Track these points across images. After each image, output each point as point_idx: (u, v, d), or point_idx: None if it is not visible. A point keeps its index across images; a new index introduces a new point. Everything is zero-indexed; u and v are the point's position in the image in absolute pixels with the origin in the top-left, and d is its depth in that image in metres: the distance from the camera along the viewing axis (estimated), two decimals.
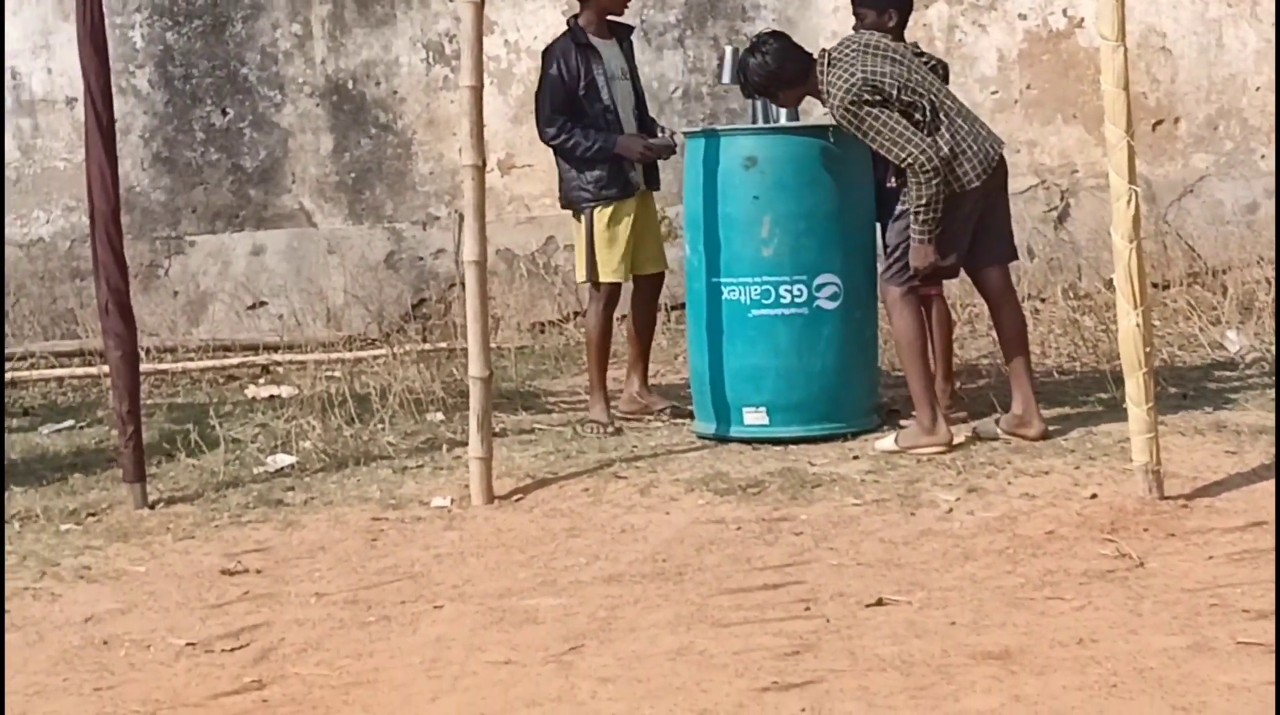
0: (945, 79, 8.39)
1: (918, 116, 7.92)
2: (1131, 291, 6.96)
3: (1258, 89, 11.58)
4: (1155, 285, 10.54)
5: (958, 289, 10.37)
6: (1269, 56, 11.56)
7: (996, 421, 8.18)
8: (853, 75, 7.92)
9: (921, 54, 8.42)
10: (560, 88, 8.77)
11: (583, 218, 8.89)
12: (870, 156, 8.45)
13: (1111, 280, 7.53)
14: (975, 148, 7.95)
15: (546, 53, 8.91)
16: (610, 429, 8.83)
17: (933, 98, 7.98)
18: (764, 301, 8.35)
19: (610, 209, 8.86)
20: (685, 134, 8.85)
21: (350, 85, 12.25)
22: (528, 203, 12.06)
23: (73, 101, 12.11)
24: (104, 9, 8.39)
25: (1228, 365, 9.42)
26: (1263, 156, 11.59)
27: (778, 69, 8.15)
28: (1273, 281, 10.38)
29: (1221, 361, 9.52)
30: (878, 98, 7.89)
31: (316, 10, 12.25)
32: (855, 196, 8.51)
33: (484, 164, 7.95)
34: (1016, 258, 8.42)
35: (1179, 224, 11.51)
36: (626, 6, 9.07)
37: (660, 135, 9.03)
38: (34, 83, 12.50)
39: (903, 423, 8.39)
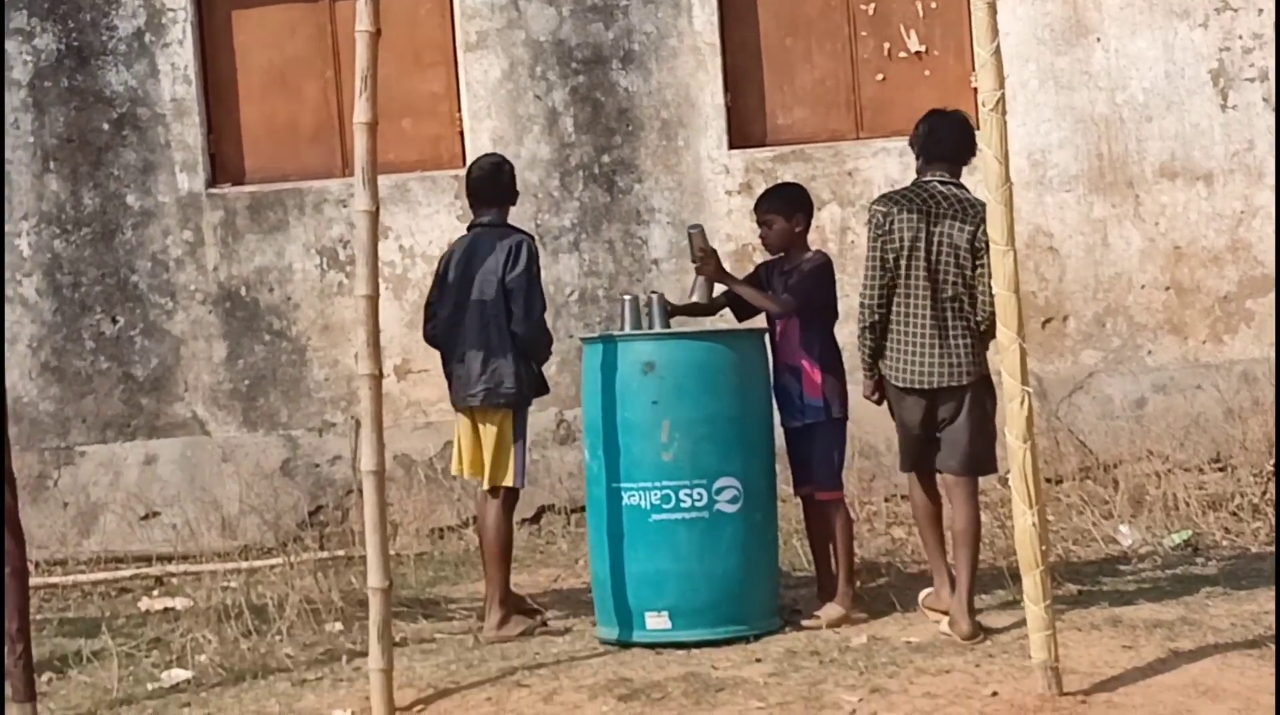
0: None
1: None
2: (1026, 491, 7.06)
3: (1143, 287, 11.81)
4: (1049, 480, 10.69)
5: (855, 488, 10.45)
6: (1153, 255, 11.81)
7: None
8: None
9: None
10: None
11: (512, 415, 8.94)
12: (767, 361, 8.59)
13: (1007, 477, 7.61)
14: (906, 358, 8.17)
15: (527, 247, 9.04)
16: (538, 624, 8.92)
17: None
18: (664, 506, 8.35)
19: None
20: (583, 339, 8.90)
21: (243, 292, 12.23)
22: (425, 407, 12.03)
23: None
24: None
25: (1121, 559, 9.52)
26: (1149, 352, 11.80)
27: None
28: (1162, 475, 10.55)
29: (1115, 555, 9.63)
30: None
31: (208, 217, 12.25)
32: (754, 400, 8.57)
33: (381, 373, 7.93)
34: (963, 473, 8.32)
35: (1070, 420, 11.67)
36: None
37: None
38: None
39: (804, 623, 8.42)
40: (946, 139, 8.34)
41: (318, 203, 12.22)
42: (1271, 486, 10.36)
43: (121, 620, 9.92)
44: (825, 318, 8.82)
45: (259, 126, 12.49)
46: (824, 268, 8.85)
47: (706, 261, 8.79)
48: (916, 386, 8.14)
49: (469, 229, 9.27)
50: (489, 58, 12.16)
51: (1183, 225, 11.91)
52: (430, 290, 9.32)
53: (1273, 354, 11.49)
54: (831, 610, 8.48)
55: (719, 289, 8.94)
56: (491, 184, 9.23)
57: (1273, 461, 10.63)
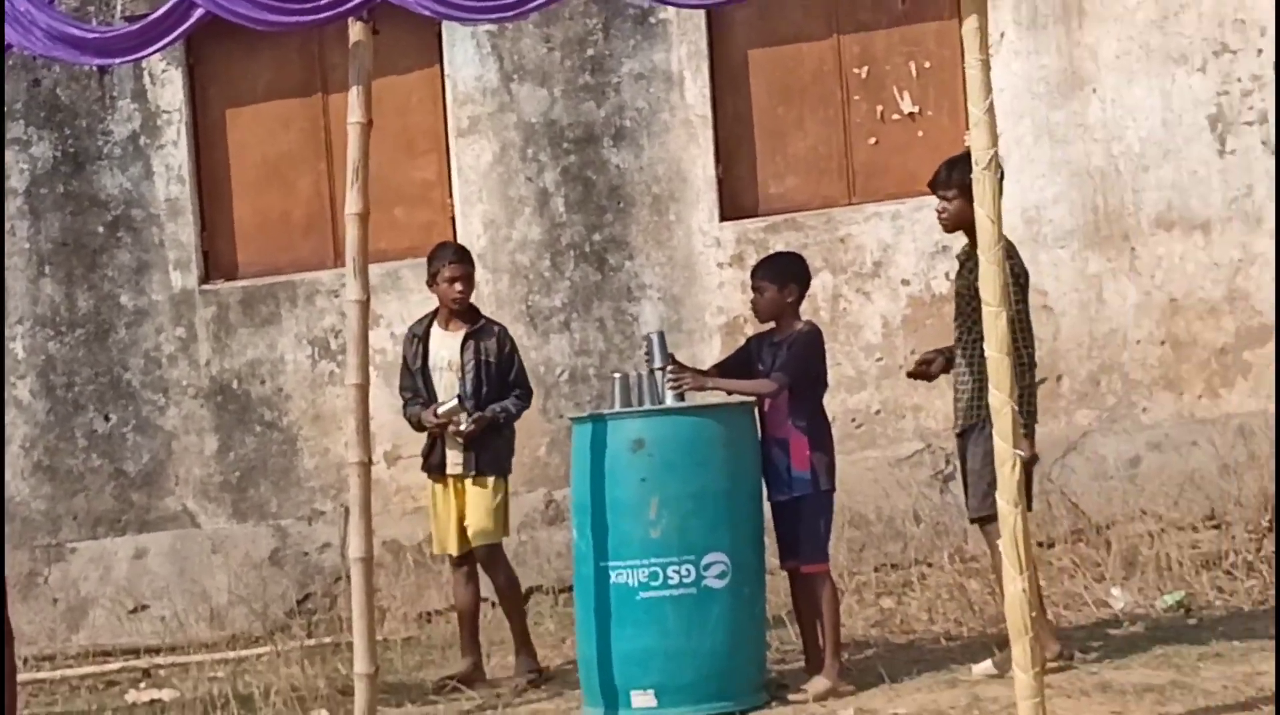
0: None
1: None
2: (1017, 556, 6.94)
3: (1138, 342, 11.63)
4: (1040, 544, 10.52)
5: (844, 559, 10.36)
6: (1148, 309, 11.61)
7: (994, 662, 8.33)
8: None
9: None
10: (402, 368, 9.64)
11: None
12: (756, 435, 8.51)
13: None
14: None
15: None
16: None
17: None
18: (652, 583, 8.26)
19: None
20: (572, 419, 8.86)
21: (235, 385, 12.27)
22: (414, 493, 11.97)
23: None
24: None
25: (1112, 623, 9.39)
26: (1144, 410, 11.63)
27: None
28: (1155, 535, 10.44)
29: (1106, 619, 9.50)
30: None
31: (201, 313, 12.32)
32: (743, 474, 8.49)
33: (370, 461, 7.94)
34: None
35: (1062, 481, 11.46)
36: (456, 303, 9.47)
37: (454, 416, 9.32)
38: None
39: (791, 697, 8.33)
40: None
41: (309, 294, 12.26)
42: (1266, 542, 10.22)
43: (108, 714, 9.85)
44: (816, 390, 8.74)
45: (252, 222, 12.60)
46: (815, 339, 8.76)
47: (681, 376, 8.61)
48: None
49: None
50: (480, 142, 12.18)
51: (1179, 277, 11.62)
52: None
53: (1270, 406, 11.28)
54: (818, 683, 8.37)
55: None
56: None
57: (1268, 517, 10.48)
